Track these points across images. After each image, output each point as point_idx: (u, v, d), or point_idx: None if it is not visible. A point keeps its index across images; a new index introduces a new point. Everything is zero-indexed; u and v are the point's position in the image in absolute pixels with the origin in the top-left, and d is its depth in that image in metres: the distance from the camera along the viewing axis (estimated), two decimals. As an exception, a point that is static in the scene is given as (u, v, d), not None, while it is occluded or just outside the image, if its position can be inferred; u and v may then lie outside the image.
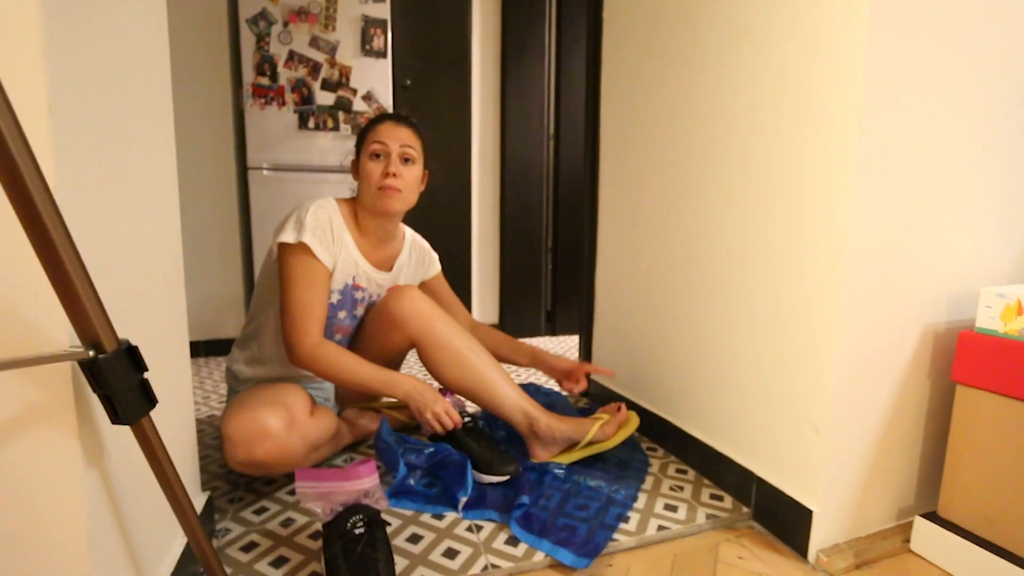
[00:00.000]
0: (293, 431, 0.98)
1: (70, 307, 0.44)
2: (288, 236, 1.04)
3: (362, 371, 1.06)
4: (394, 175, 1.10)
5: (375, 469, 0.82)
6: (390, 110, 2.23)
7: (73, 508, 0.50)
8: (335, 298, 1.13)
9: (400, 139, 1.12)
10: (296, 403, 1.02)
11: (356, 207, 1.17)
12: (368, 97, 2.17)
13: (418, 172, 1.16)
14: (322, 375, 1.05)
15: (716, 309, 1.13)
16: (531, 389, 1.38)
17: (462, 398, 1.32)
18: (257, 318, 1.16)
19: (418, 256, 1.32)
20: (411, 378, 1.09)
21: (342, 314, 1.16)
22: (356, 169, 1.17)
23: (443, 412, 1.09)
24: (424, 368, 1.19)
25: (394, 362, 1.27)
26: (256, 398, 1.00)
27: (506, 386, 1.16)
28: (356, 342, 1.25)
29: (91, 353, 0.45)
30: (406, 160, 1.13)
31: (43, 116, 0.46)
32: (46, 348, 0.48)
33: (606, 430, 1.17)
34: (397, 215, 1.16)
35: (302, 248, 1.04)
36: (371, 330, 1.22)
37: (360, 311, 1.20)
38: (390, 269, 1.23)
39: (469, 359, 1.16)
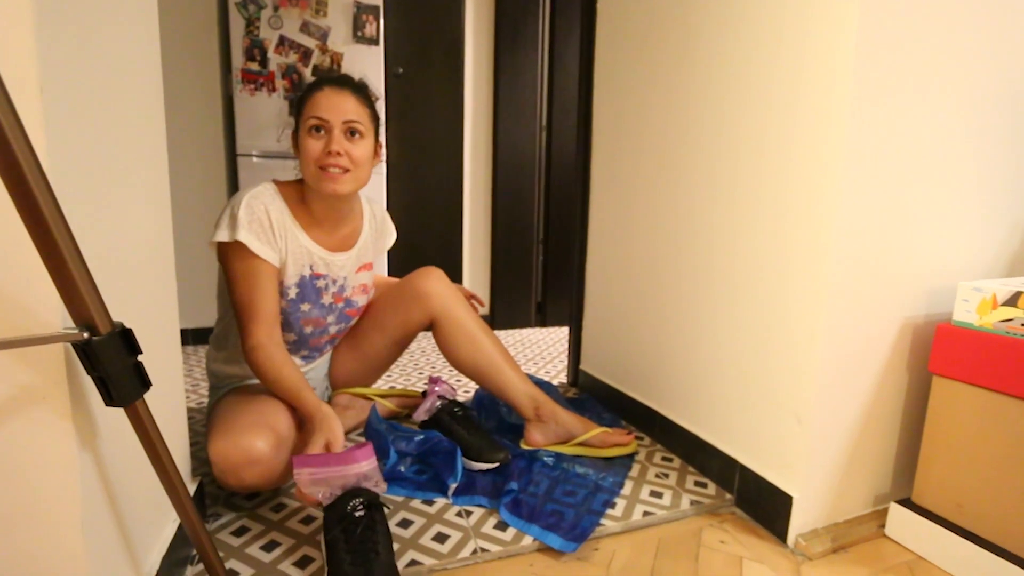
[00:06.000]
0: (281, 451, 0.92)
1: (64, 289, 0.44)
2: (222, 235, 0.94)
3: (282, 385, 0.95)
4: (338, 153, 0.96)
5: (372, 453, 0.83)
6: (381, 97, 2.20)
7: (67, 489, 0.51)
8: (293, 292, 1.04)
9: (343, 111, 0.97)
10: (281, 421, 0.95)
11: (304, 189, 1.04)
12: (360, 85, 2.15)
13: (369, 146, 1.02)
14: (259, 380, 0.98)
15: (703, 302, 1.15)
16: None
17: (452, 387, 1.34)
18: (225, 317, 1.11)
19: (378, 228, 1.23)
20: (325, 411, 0.93)
21: (305, 306, 1.07)
22: (296, 144, 1.01)
23: (308, 480, 0.82)
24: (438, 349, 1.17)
25: (403, 342, 1.26)
26: (240, 421, 0.92)
27: (514, 371, 1.20)
28: (371, 317, 1.25)
29: (85, 335, 0.46)
30: (352, 133, 0.99)
31: (35, 98, 0.46)
32: (39, 331, 0.48)
33: (604, 438, 1.19)
34: (347, 196, 1.03)
35: (238, 246, 0.95)
36: (389, 305, 1.22)
37: (328, 299, 1.11)
38: (351, 248, 1.13)
39: (483, 341, 1.19)
